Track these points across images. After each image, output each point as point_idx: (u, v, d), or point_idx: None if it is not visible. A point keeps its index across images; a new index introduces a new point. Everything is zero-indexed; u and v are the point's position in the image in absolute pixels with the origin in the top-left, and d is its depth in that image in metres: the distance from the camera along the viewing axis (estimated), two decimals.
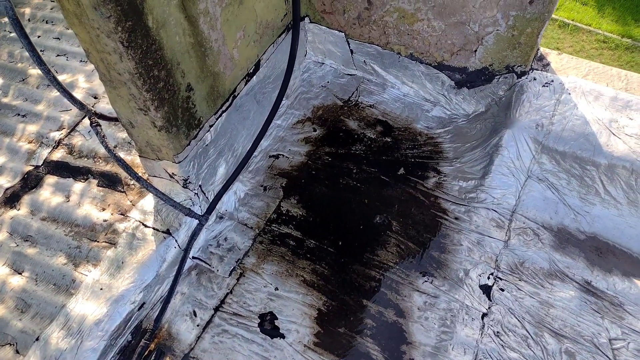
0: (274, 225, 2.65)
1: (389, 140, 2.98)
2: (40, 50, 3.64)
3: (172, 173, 2.39)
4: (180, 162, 2.28)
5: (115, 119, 2.22)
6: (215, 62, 2.28)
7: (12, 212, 2.67)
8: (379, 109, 3.12)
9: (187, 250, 2.30)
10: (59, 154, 2.94)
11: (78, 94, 3.27)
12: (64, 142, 3.00)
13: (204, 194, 2.53)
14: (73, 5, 1.61)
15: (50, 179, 2.81)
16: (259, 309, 2.35)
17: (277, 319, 2.32)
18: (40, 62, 1.68)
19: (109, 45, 1.72)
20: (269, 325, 2.30)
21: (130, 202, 2.60)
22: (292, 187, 2.81)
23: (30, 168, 2.89)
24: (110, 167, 2.81)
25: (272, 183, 2.83)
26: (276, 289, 2.41)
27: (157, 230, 2.39)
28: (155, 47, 1.85)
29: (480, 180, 2.67)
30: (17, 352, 2.13)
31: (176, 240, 2.39)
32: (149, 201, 2.54)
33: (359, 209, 2.69)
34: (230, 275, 2.46)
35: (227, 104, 2.51)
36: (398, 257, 2.51)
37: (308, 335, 2.27)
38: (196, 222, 2.42)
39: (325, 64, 3.27)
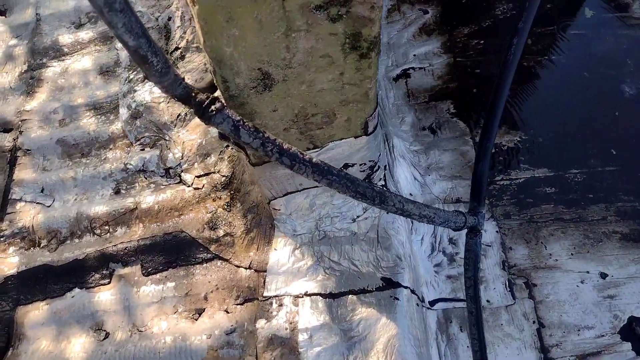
0: (496, 181, 1.46)
1: None
2: None
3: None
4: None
5: None
6: None
7: None
8: None
9: (477, 299, 1.04)
10: (14, 258, 1.38)
11: None
12: (4, 232, 1.43)
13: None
14: None
15: (33, 312, 1.28)
16: (610, 319, 1.23)
17: None
18: None
19: None
20: None
21: (248, 267, 1.22)
22: (465, 105, 1.60)
23: None
24: (145, 230, 1.34)
25: (435, 115, 1.59)
26: (602, 275, 1.29)
27: (370, 290, 1.09)
28: None
29: None
30: None
31: (412, 291, 1.12)
32: (284, 252, 1.20)
33: (582, 90, 1.60)
34: (514, 298, 1.27)
35: None
36: None
37: None
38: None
39: None
